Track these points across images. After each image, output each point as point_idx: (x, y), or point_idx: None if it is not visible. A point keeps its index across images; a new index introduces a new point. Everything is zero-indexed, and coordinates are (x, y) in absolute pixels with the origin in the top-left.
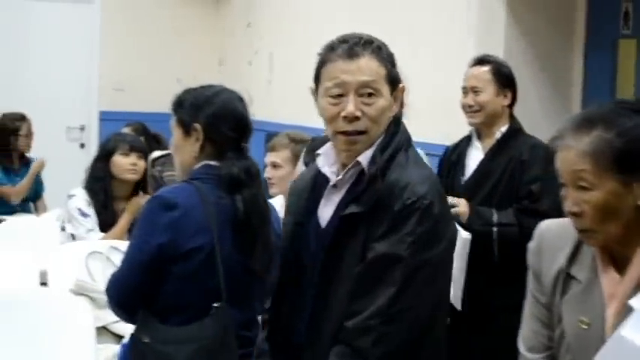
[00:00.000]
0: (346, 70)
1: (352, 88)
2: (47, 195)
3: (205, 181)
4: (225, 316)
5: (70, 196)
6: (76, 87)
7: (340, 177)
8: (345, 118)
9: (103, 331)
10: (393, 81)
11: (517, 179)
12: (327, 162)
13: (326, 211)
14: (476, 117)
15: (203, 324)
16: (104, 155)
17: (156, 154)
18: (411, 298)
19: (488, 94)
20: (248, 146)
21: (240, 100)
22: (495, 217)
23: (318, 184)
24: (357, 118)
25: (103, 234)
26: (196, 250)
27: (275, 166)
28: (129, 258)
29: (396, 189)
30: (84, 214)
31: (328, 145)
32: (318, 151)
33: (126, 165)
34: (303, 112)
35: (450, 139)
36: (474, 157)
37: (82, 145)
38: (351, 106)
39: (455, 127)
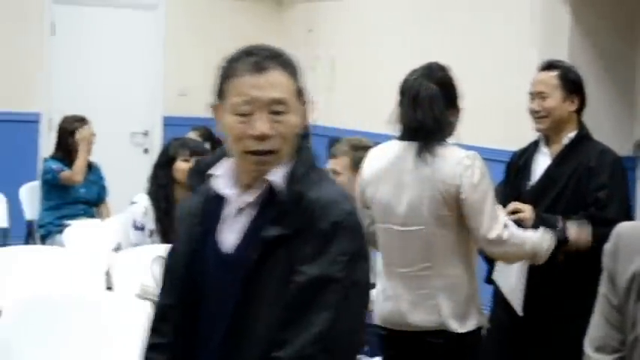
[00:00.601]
0: (255, 85)
1: (263, 104)
2: (111, 200)
3: None
4: None
5: (132, 204)
6: (140, 92)
7: (251, 199)
8: (255, 137)
9: None
10: (301, 95)
11: (584, 186)
12: (227, 184)
13: (230, 236)
14: (542, 123)
15: None
16: (165, 162)
17: None
18: (347, 322)
19: (555, 99)
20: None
21: None
22: (561, 224)
23: (210, 207)
24: (267, 137)
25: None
26: None
27: (335, 173)
28: None
29: (318, 207)
30: (137, 227)
31: (227, 166)
32: (215, 173)
33: (188, 170)
34: (365, 118)
35: (516, 144)
36: (541, 162)
37: (146, 151)
38: (261, 124)
39: (521, 133)
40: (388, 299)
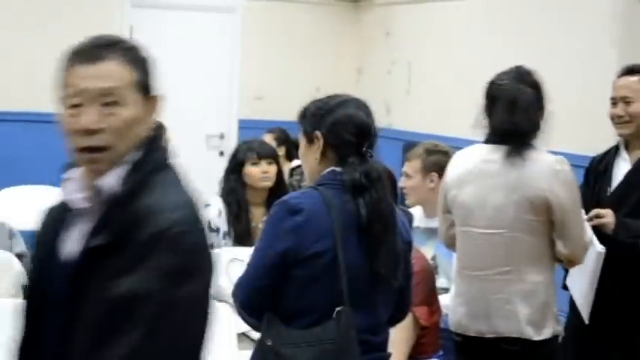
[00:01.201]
0: (85, 75)
1: (91, 96)
2: None
3: (330, 186)
4: (348, 319)
5: (206, 206)
6: (217, 95)
7: (85, 205)
8: (80, 131)
9: (242, 337)
10: (146, 89)
11: None
12: (78, 186)
13: (70, 244)
14: (626, 128)
15: (326, 327)
16: (235, 166)
17: (295, 163)
18: (161, 343)
19: None
20: (371, 151)
21: (364, 107)
22: None
23: (65, 212)
24: (94, 132)
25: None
26: (320, 254)
27: (407, 175)
28: (254, 262)
29: (142, 216)
30: (211, 229)
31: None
32: (67, 175)
33: (258, 174)
34: (442, 122)
35: (594, 150)
36: (622, 168)
37: (222, 153)
38: (86, 117)
39: (599, 137)
40: (463, 304)
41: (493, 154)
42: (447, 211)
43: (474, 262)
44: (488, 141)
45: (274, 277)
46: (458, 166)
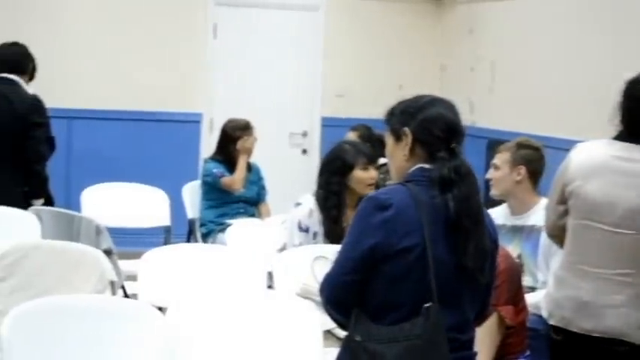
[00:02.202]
0: None
1: None
2: (270, 199)
3: (418, 183)
4: (436, 316)
5: (297, 205)
6: (300, 93)
7: None
8: None
9: (328, 335)
10: None
11: None
12: None
13: None
14: None
15: (414, 323)
16: (342, 169)
17: (382, 161)
18: None
19: None
20: (460, 148)
21: (452, 107)
22: None
23: None
24: None
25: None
26: (407, 250)
27: (495, 167)
28: (342, 257)
29: None
30: (301, 228)
31: None
32: None
33: (367, 180)
34: (527, 120)
35: None
36: None
37: (304, 151)
38: None
39: None
40: (571, 298)
41: (628, 152)
42: (562, 202)
43: (593, 259)
44: (619, 138)
45: (362, 272)
46: (583, 158)
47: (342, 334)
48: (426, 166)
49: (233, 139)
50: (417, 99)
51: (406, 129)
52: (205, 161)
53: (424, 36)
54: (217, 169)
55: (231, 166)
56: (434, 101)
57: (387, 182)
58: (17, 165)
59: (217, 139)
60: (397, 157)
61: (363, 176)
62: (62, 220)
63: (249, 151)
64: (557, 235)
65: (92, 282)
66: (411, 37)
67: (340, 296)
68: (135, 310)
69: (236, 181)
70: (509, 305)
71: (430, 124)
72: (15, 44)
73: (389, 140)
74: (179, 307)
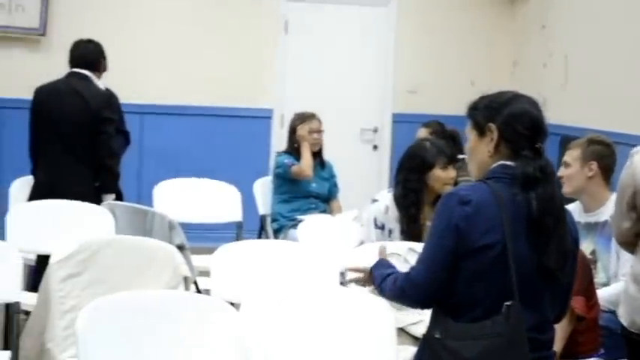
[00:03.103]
0: None
1: None
2: (340, 195)
3: (500, 180)
4: (517, 315)
5: (373, 201)
6: (371, 89)
7: None
8: None
9: (401, 332)
10: None
11: None
12: None
13: None
14: None
15: (494, 321)
16: (421, 167)
17: None
18: None
19: None
20: (544, 146)
21: (535, 104)
22: None
23: None
24: None
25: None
26: (488, 247)
27: (566, 164)
28: (425, 255)
29: None
30: (377, 225)
31: None
32: None
33: (446, 179)
34: (600, 116)
35: None
36: None
37: (375, 147)
38: None
39: None
40: None
41: None
42: (633, 208)
43: None
44: None
45: (445, 269)
46: None
47: (417, 332)
48: (508, 163)
49: (294, 128)
50: (501, 94)
51: (492, 125)
52: (277, 154)
53: (496, 31)
54: (288, 159)
55: (299, 159)
56: (517, 97)
57: (460, 179)
58: (90, 160)
59: (287, 134)
60: (480, 152)
61: (442, 175)
62: (135, 215)
63: (306, 139)
64: (629, 242)
65: (165, 277)
66: (483, 33)
67: (423, 294)
68: (209, 305)
69: (304, 167)
70: (580, 296)
71: (515, 121)
72: (90, 41)
73: (471, 135)
74: (253, 303)
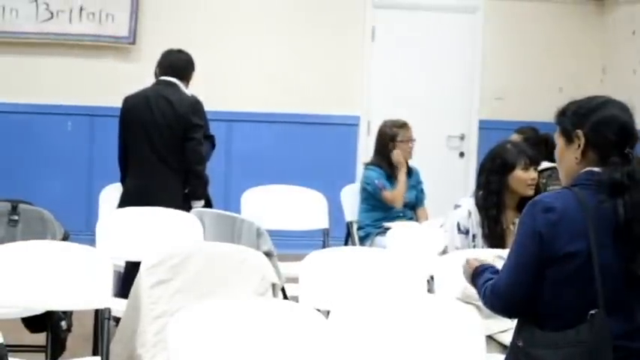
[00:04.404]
0: None
1: None
2: (427, 202)
3: (586, 187)
4: (602, 323)
5: (456, 207)
6: (457, 96)
7: None
8: None
9: (489, 340)
10: None
11: None
12: None
13: None
14: None
15: (579, 330)
16: (502, 168)
17: (544, 165)
18: None
19: None
20: (633, 152)
21: (626, 109)
22: None
23: None
24: None
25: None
26: (573, 254)
27: None
28: (508, 263)
29: None
30: (460, 231)
31: None
32: None
33: (527, 180)
34: None
35: None
36: None
37: (462, 154)
38: None
39: None
40: None
41: None
42: None
43: None
44: None
45: (528, 277)
46: None
47: (505, 340)
48: (595, 169)
49: (391, 137)
50: (590, 100)
51: (579, 131)
52: (366, 167)
53: (585, 37)
54: (379, 179)
55: (391, 170)
56: (607, 102)
57: (549, 187)
58: (178, 167)
59: (375, 142)
60: (568, 159)
61: (523, 176)
62: (223, 222)
63: (407, 158)
64: None
65: (254, 284)
66: (571, 39)
67: (508, 302)
68: (298, 313)
69: (397, 197)
70: None
71: (603, 127)
72: (181, 51)
73: (559, 141)
74: (342, 311)
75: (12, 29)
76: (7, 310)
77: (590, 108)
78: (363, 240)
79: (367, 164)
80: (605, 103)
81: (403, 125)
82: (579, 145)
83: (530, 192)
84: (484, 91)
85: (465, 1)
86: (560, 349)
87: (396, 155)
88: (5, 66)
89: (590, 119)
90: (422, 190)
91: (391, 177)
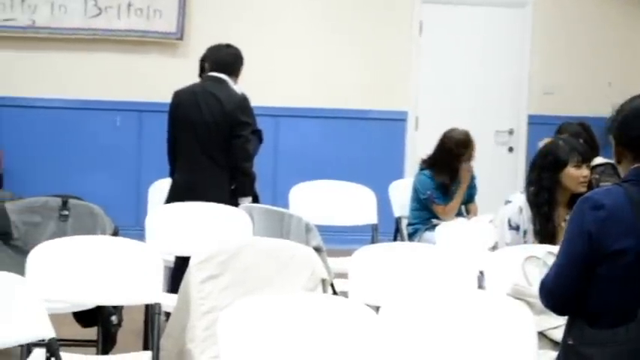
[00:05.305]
0: None
1: None
2: (477, 198)
3: (635, 183)
4: None
5: (507, 202)
6: (505, 90)
7: None
8: None
9: (541, 337)
10: None
11: None
12: None
13: None
14: None
15: (628, 328)
16: (554, 165)
17: (597, 160)
18: None
19: None
20: None
21: None
22: None
23: None
24: None
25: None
26: (622, 252)
27: None
28: (559, 261)
29: None
30: (511, 227)
31: None
32: None
33: (579, 178)
34: None
35: None
36: None
37: (511, 149)
38: None
39: None
40: None
41: None
42: None
43: None
44: None
45: (576, 274)
46: None
47: (557, 336)
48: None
49: (456, 156)
50: (628, 101)
51: (610, 135)
52: (421, 170)
53: (635, 31)
54: (431, 190)
55: (448, 181)
56: (635, 99)
57: (601, 183)
58: (225, 163)
59: (436, 148)
60: (616, 158)
61: (575, 174)
62: (272, 217)
63: (467, 181)
64: None
65: (303, 279)
66: (620, 33)
67: (559, 299)
68: (349, 309)
69: (449, 212)
70: None
71: (625, 127)
72: (229, 46)
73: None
74: (392, 307)
75: (61, 25)
76: (59, 305)
77: (620, 109)
78: (411, 236)
79: (423, 167)
80: (634, 98)
81: (468, 143)
82: (616, 146)
83: (583, 189)
84: (533, 86)
85: None
86: (609, 347)
87: (463, 173)
88: (54, 62)
89: (617, 121)
90: (474, 186)
91: (444, 188)
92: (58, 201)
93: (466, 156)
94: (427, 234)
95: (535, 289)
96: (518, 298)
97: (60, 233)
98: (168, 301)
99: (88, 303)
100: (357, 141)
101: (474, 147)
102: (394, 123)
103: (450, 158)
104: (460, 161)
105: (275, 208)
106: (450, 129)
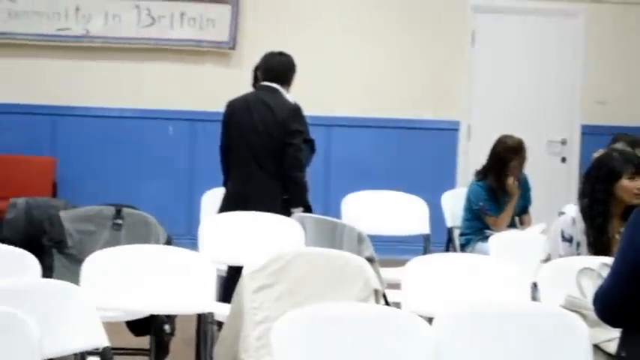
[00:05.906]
0: None
1: None
2: (530, 208)
3: None
4: None
5: (560, 214)
6: (558, 100)
7: None
8: None
9: (595, 349)
10: None
11: None
12: None
13: None
14: None
15: None
16: (608, 177)
17: None
18: None
19: None
20: None
21: None
22: None
23: None
24: None
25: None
26: None
27: None
28: (613, 271)
29: None
30: (564, 238)
31: None
32: None
33: (634, 190)
34: None
35: None
36: None
37: (564, 160)
38: None
39: None
40: None
41: None
42: None
43: None
44: None
45: (629, 286)
46: None
47: (611, 348)
48: None
49: (504, 161)
50: None
51: None
52: (475, 177)
53: None
54: (483, 201)
55: (499, 190)
56: None
57: None
58: (275, 172)
59: (489, 156)
60: None
61: (629, 186)
62: (325, 227)
63: (518, 177)
64: None
65: (356, 290)
66: None
67: (613, 311)
68: (402, 319)
69: (500, 224)
70: None
71: None
72: (282, 54)
73: None
74: (446, 318)
75: (114, 35)
76: (112, 314)
77: None
78: (463, 246)
79: (477, 178)
80: None
81: (518, 150)
82: None
83: (637, 201)
84: (586, 96)
85: (566, 5)
86: None
87: (511, 185)
88: (107, 71)
89: None
90: (529, 197)
91: (496, 197)
92: (112, 210)
93: (515, 162)
94: (480, 245)
95: (589, 301)
96: (572, 310)
97: (113, 242)
98: (220, 311)
99: (142, 312)
100: (409, 151)
101: (525, 155)
102: (447, 133)
103: (499, 164)
104: (508, 167)
105: (327, 218)
106: (505, 135)
